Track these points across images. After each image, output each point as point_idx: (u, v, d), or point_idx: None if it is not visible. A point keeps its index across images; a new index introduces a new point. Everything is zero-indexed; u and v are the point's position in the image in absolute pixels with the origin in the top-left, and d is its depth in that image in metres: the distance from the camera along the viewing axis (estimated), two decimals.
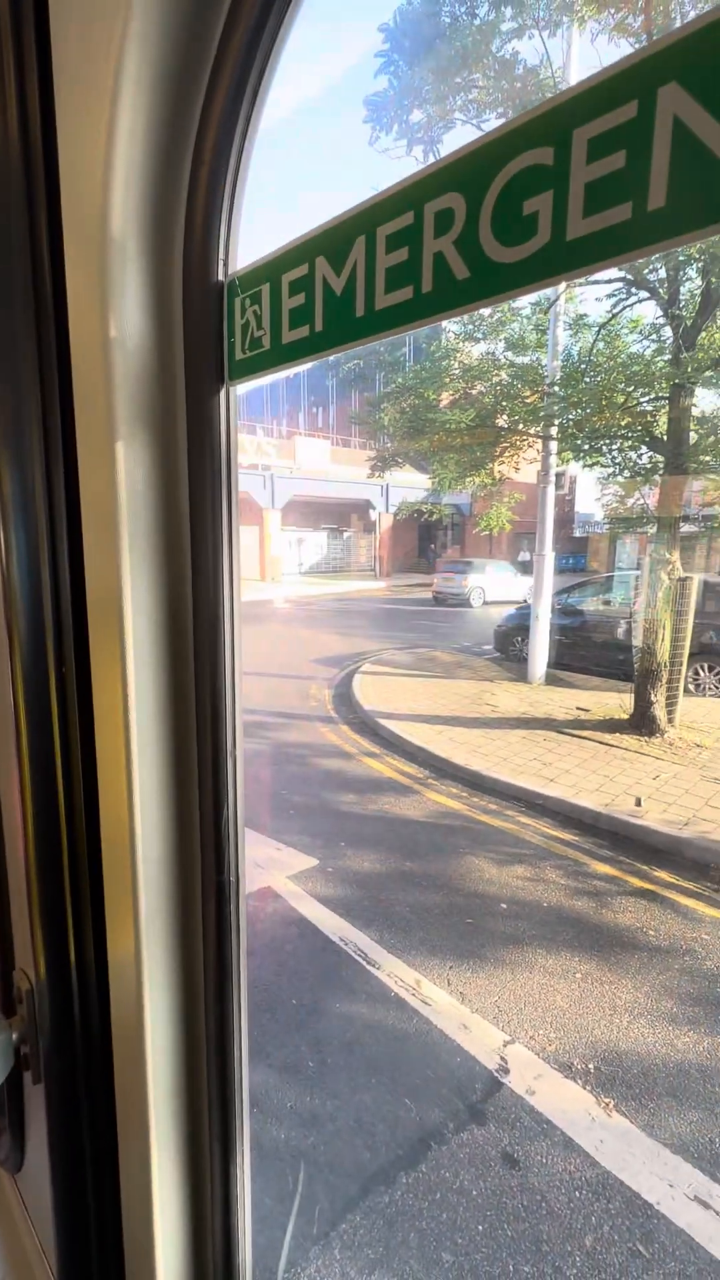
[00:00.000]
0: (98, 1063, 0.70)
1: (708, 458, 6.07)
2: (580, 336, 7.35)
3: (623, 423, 6.39)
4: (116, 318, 0.53)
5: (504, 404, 7.31)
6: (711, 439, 6.00)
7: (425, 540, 28.09)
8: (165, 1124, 0.66)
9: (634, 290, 6.08)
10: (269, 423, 32.29)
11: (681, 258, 5.42)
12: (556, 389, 6.74)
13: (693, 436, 6.01)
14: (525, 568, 16.60)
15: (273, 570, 21.37)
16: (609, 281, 6.15)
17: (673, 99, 0.31)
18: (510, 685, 8.14)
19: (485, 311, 7.59)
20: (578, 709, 6.97)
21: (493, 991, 2.75)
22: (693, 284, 5.78)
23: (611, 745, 5.79)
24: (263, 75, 0.47)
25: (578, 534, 23.83)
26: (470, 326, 7.81)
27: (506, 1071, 2.33)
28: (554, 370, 7.04)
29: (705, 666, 7.43)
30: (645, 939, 3.13)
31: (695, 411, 6.09)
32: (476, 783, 5.09)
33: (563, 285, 6.88)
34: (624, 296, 6.23)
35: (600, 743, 5.86)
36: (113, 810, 0.63)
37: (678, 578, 5.91)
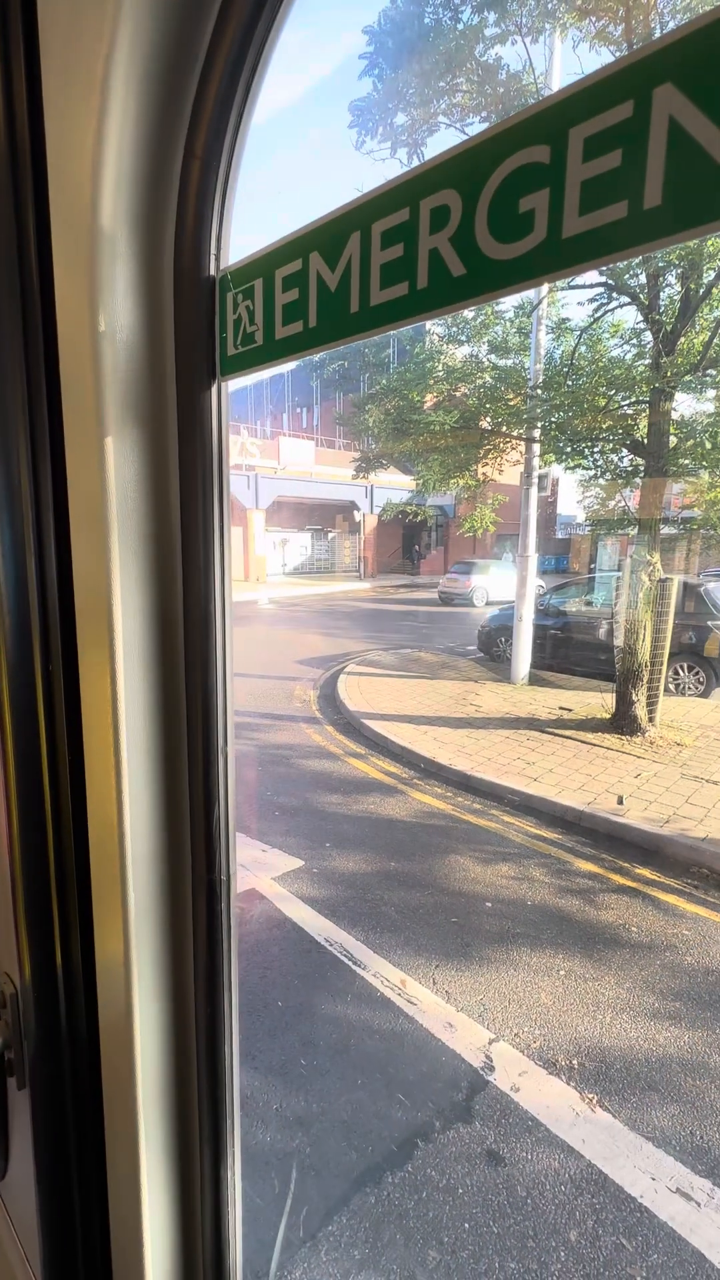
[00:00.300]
0: (85, 1067, 0.68)
1: (687, 461, 6.17)
2: (562, 340, 7.43)
3: (604, 426, 6.47)
4: (106, 312, 0.52)
5: (487, 406, 7.36)
6: (690, 442, 6.10)
7: (410, 541, 28.17)
8: (154, 1129, 0.65)
9: (615, 295, 6.17)
10: (253, 423, 32.17)
11: (661, 264, 5.51)
12: (539, 392, 6.81)
13: (672, 440, 6.11)
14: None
15: (257, 571, 21.28)
16: (591, 286, 6.22)
17: (668, 99, 0.31)
18: (494, 685, 8.19)
19: (469, 313, 7.65)
20: (561, 709, 7.04)
21: (478, 990, 2.76)
22: (672, 290, 5.88)
23: (594, 744, 5.86)
24: (256, 68, 0.47)
25: (560, 535, 24.08)
26: (454, 329, 7.86)
27: (492, 1069, 2.35)
28: (537, 373, 7.11)
29: (685, 666, 7.55)
30: (628, 935, 3.17)
31: (675, 415, 6.19)
32: (461, 782, 5.12)
33: (545, 288, 6.96)
34: (605, 301, 6.31)
35: (583, 742, 5.92)
36: (101, 809, 0.62)
37: (658, 579, 6.00)
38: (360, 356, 9.32)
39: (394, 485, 21.71)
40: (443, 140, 6.04)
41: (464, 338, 7.92)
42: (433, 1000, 2.69)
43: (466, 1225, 1.82)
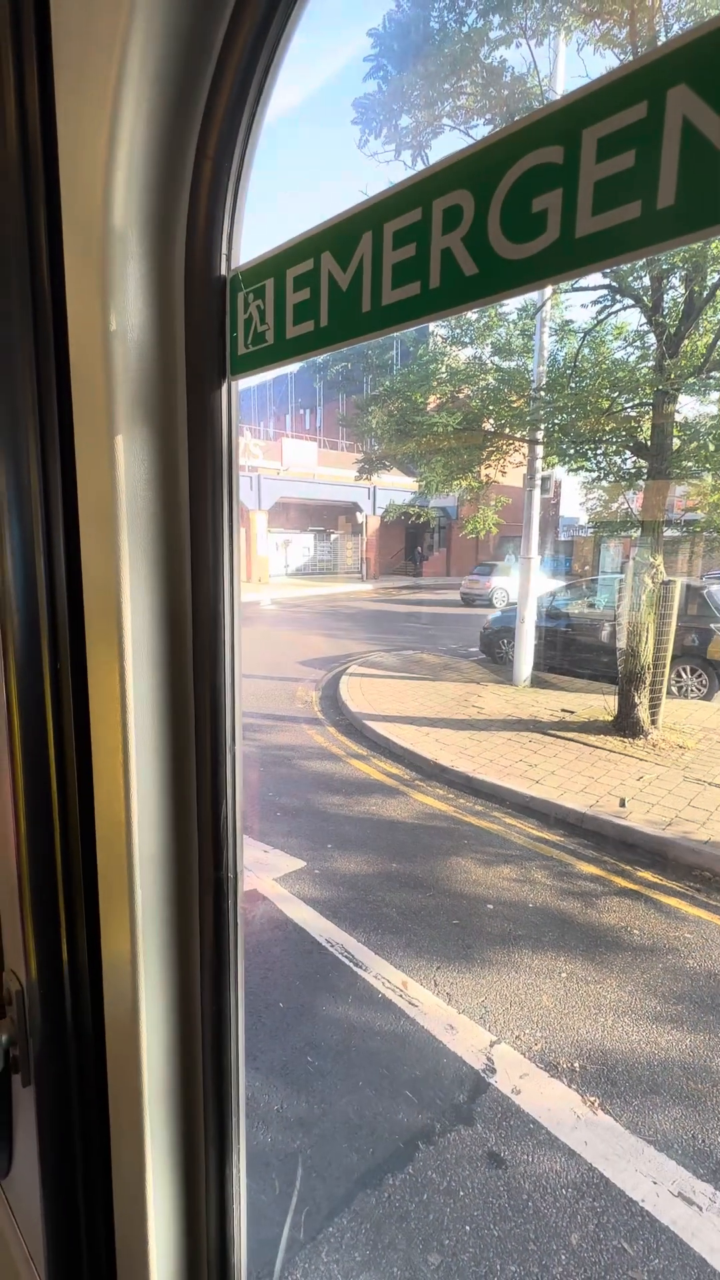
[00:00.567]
0: (90, 1064, 0.68)
1: (690, 463, 6.16)
2: (566, 342, 7.43)
3: (607, 428, 6.47)
4: (117, 312, 0.53)
5: (490, 408, 7.37)
6: (694, 445, 6.09)
7: (412, 543, 28.17)
8: (160, 1127, 0.65)
9: (619, 297, 6.17)
10: (256, 424, 32.21)
11: (665, 266, 5.51)
12: (542, 394, 6.81)
13: (676, 442, 6.10)
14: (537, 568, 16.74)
15: (259, 572, 21.29)
16: (595, 288, 6.23)
17: (682, 100, 0.31)
18: (496, 687, 8.19)
19: (472, 315, 7.65)
20: (563, 711, 7.03)
21: (479, 992, 2.76)
22: (676, 292, 5.88)
23: (596, 747, 5.85)
24: (269, 68, 0.47)
25: (563, 537, 24.06)
26: (458, 331, 7.87)
27: (493, 1071, 2.34)
28: (540, 375, 7.11)
29: (687, 669, 7.54)
30: (629, 938, 3.16)
31: (678, 417, 6.18)
32: (463, 784, 5.11)
33: (549, 290, 6.96)
34: (609, 303, 6.31)
35: (585, 744, 5.91)
36: (108, 806, 0.62)
37: (661, 581, 5.99)
38: (363, 358, 9.33)
39: (397, 487, 21.73)
40: (447, 142, 6.04)
41: (467, 339, 7.93)
42: (434, 1002, 2.68)
43: (468, 1227, 1.81)
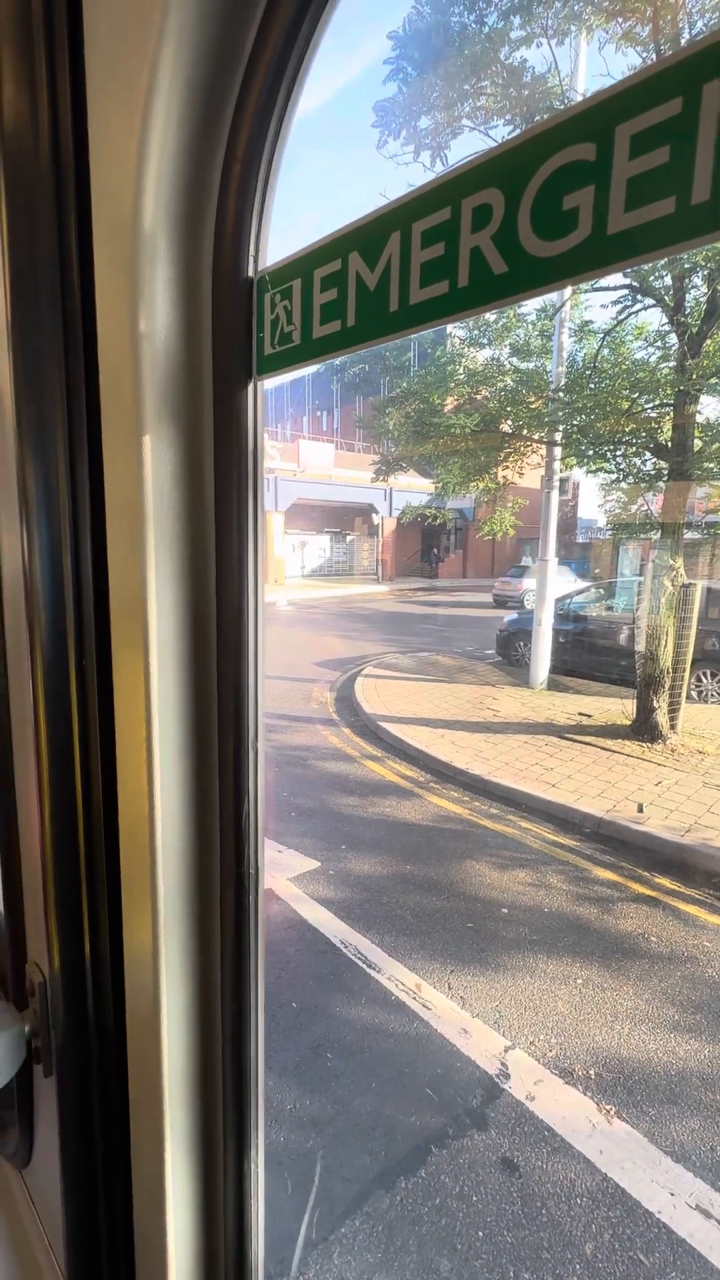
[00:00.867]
0: (111, 1055, 0.69)
1: (712, 464, 6.08)
2: (585, 343, 7.37)
3: (627, 429, 6.40)
4: (146, 313, 0.53)
5: (508, 409, 7.33)
6: (716, 445, 6.00)
7: (428, 544, 28.12)
8: (179, 1119, 0.66)
9: (640, 297, 6.10)
10: (274, 426, 32.37)
11: (688, 265, 5.44)
12: (561, 395, 6.76)
13: (697, 443, 6.02)
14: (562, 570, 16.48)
15: (276, 573, 21.40)
16: (615, 288, 6.17)
17: (717, 96, 0.31)
18: (512, 690, 8.14)
19: (490, 316, 7.62)
20: (580, 714, 6.97)
21: (493, 996, 2.74)
22: (698, 291, 5.80)
23: (613, 751, 5.78)
24: (299, 71, 0.48)
25: (580, 540, 23.84)
26: (475, 332, 7.84)
27: (507, 1077, 2.32)
28: (559, 376, 7.06)
29: (708, 673, 7.43)
30: (647, 945, 3.12)
31: (700, 418, 6.10)
32: (478, 787, 5.08)
33: (568, 291, 6.91)
34: (630, 303, 6.25)
35: (602, 748, 5.85)
36: (132, 802, 0.63)
37: (681, 584, 5.91)
38: (381, 360, 9.33)
39: (413, 488, 21.70)
40: (466, 143, 6.03)
41: (485, 340, 7.90)
42: (448, 1005, 2.67)
43: (481, 1233, 1.80)
